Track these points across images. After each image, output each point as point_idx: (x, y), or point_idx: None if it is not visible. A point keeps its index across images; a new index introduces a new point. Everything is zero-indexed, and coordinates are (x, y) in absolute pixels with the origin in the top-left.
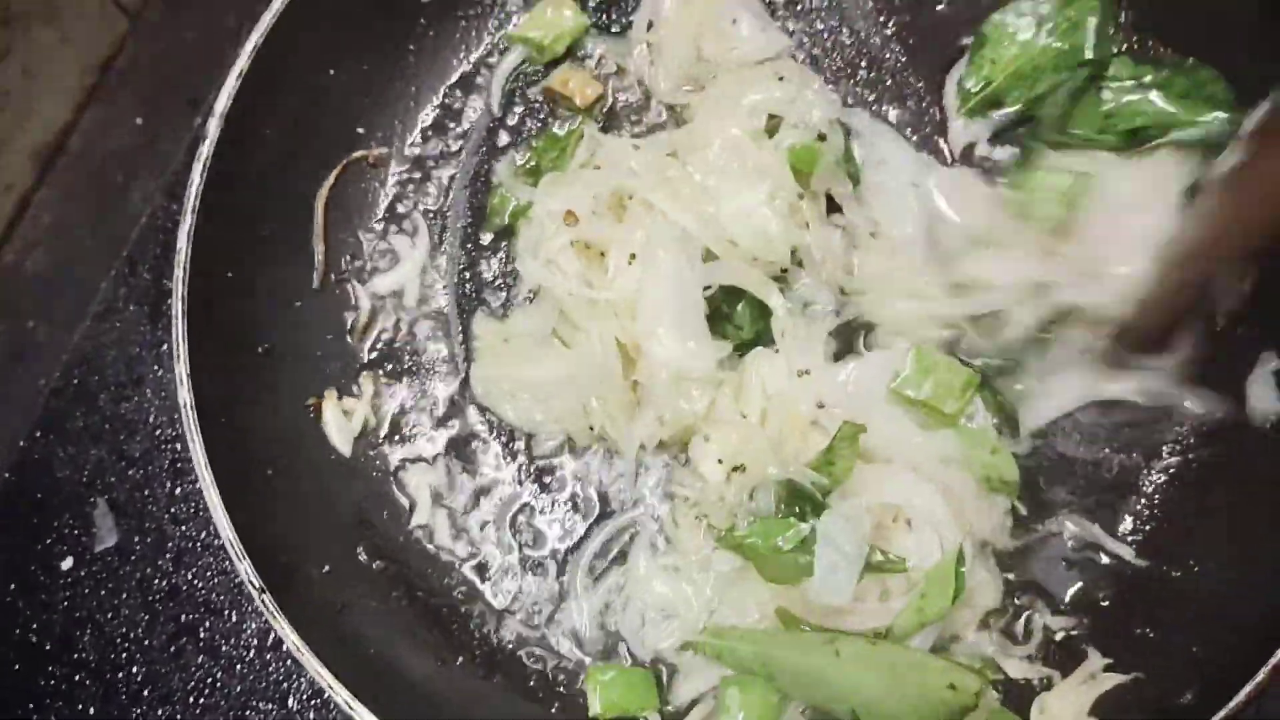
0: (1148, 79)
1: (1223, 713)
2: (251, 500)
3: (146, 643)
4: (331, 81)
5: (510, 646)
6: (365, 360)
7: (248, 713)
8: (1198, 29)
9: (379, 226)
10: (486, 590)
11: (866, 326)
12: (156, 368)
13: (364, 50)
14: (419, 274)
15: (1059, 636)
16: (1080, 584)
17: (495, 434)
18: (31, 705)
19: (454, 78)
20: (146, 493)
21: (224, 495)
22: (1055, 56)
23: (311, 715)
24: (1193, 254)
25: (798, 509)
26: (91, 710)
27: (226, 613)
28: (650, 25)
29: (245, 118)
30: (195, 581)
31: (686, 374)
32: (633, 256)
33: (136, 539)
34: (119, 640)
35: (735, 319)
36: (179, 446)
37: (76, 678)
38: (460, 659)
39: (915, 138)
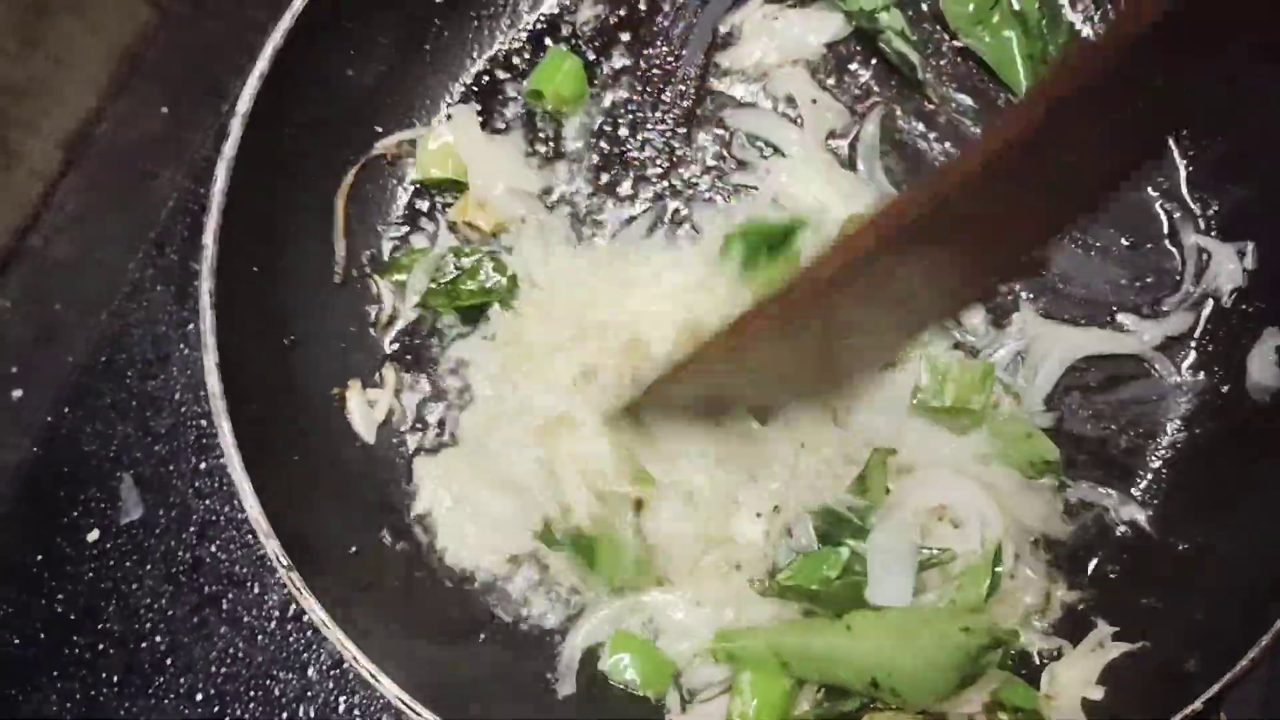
0: None
1: (1225, 678)
2: (279, 485)
3: (170, 613)
4: (350, 81)
5: (530, 627)
6: (388, 352)
7: (268, 682)
8: None
9: (398, 223)
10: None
11: None
12: (183, 346)
13: (380, 50)
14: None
15: (1080, 608)
16: (1095, 560)
17: None
18: (56, 673)
19: (468, 77)
20: (171, 468)
21: (253, 478)
22: None
23: (330, 685)
24: None
25: (836, 536)
26: (115, 679)
27: (249, 585)
28: None
29: (266, 118)
30: (219, 554)
31: None
32: None
33: (161, 512)
34: (143, 611)
35: None
36: (204, 423)
37: (101, 647)
38: (482, 635)
39: None
